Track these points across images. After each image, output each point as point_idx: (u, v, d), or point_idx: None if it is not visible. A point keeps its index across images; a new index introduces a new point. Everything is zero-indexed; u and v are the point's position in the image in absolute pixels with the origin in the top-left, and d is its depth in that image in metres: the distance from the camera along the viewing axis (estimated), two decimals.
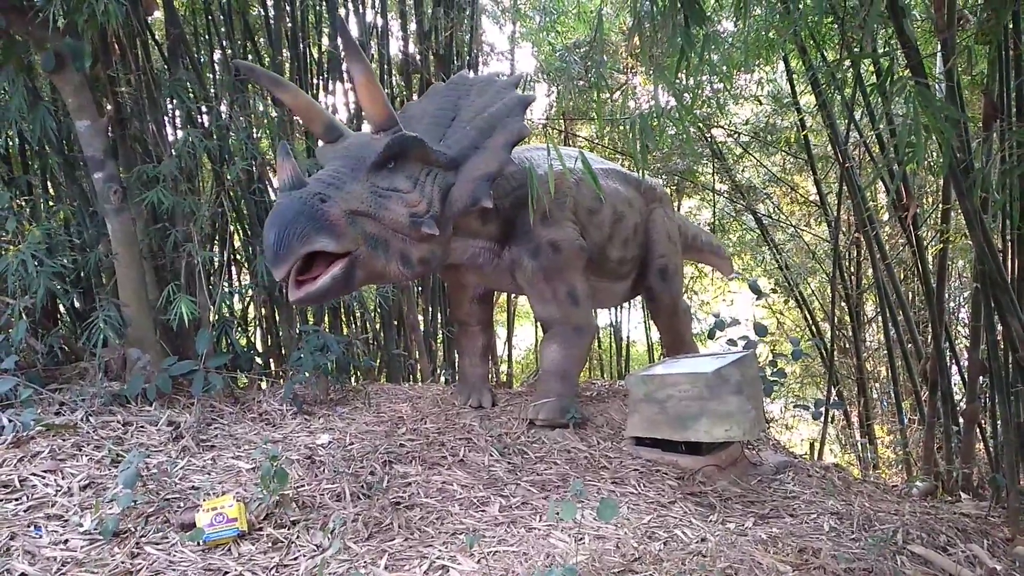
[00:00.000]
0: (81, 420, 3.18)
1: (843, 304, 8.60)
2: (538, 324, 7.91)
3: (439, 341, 5.70)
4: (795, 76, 6.78)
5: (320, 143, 3.17)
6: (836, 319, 7.07)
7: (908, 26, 3.56)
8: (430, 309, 5.89)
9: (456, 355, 4.23)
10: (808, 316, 8.13)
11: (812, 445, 6.20)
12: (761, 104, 7.72)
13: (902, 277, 7.58)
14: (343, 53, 2.98)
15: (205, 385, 3.54)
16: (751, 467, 3.30)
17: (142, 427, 3.23)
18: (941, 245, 4.58)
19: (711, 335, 4.65)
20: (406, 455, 3.06)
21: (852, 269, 8.14)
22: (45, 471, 2.69)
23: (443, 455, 3.10)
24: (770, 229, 8.61)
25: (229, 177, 3.91)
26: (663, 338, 4.63)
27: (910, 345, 6.02)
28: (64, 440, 2.95)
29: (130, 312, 3.64)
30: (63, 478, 2.67)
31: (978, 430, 5.06)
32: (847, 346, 8.49)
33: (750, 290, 4.58)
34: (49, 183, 4.19)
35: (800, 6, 4.53)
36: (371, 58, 5.41)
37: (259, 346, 4.93)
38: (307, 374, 3.91)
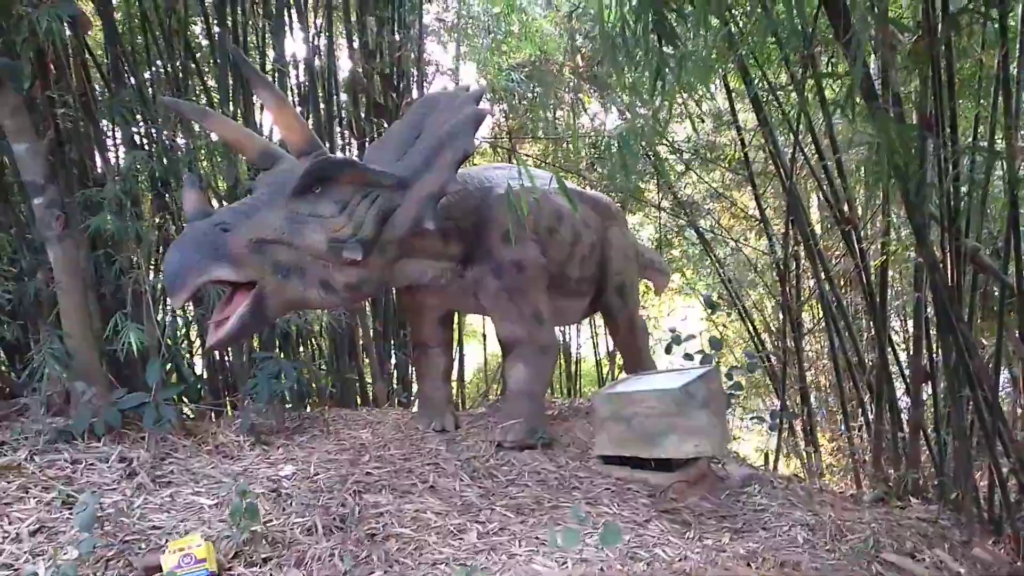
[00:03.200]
0: (25, 460, 3.00)
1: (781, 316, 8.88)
2: (486, 343, 7.91)
3: (393, 363, 5.60)
4: (733, 95, 6.99)
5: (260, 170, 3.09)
6: (783, 330, 7.24)
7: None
8: (382, 330, 5.80)
9: (415, 377, 4.16)
10: (751, 328, 8.33)
11: (766, 455, 6.32)
12: (703, 122, 7.90)
13: (841, 288, 7.81)
14: (250, 82, 2.94)
15: (157, 418, 3.39)
16: (718, 481, 3.33)
17: (92, 465, 3.06)
18: (883, 257, 4.76)
19: (668, 350, 4.70)
20: (375, 484, 2.98)
21: (792, 281, 8.39)
22: None
23: (412, 482, 3.04)
24: (712, 244, 8.82)
25: (175, 201, 3.76)
26: (622, 355, 4.67)
27: (853, 356, 6.23)
28: (8, 482, 2.77)
29: (74, 343, 3.46)
30: (10, 523, 2.51)
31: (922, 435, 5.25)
32: (787, 356, 8.74)
33: (704, 304, 4.66)
34: None
35: (741, 28, 4.67)
36: (317, 77, 5.32)
37: (204, 374, 4.76)
38: (262, 404, 3.78)
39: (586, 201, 4.28)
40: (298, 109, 5.04)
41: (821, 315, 7.88)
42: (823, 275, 5.59)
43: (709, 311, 4.88)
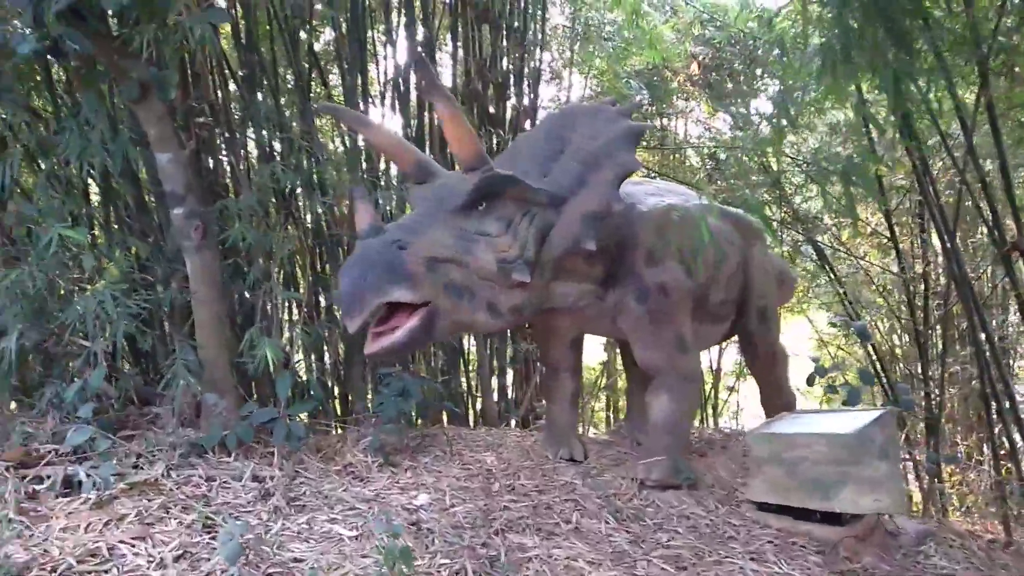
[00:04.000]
0: (162, 475, 2.95)
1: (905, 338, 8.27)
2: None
3: (509, 380, 5.44)
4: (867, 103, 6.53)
5: (411, 184, 2.96)
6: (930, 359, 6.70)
7: None
8: (493, 343, 5.65)
9: (544, 400, 3.98)
10: (873, 352, 7.78)
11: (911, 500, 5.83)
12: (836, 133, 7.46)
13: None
14: (425, 91, 2.80)
15: (287, 434, 3.31)
16: (890, 538, 2.99)
17: (226, 483, 2.99)
18: None
19: (810, 381, 4.35)
20: (517, 521, 2.79)
21: (920, 303, 7.79)
22: (134, 538, 2.45)
23: (555, 521, 2.83)
24: (832, 260, 8.32)
25: (314, 212, 3.69)
26: (759, 384, 4.34)
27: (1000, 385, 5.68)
28: (149, 500, 2.71)
29: (207, 355, 3.43)
30: (154, 546, 2.43)
31: None
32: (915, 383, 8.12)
33: (858, 335, 4.28)
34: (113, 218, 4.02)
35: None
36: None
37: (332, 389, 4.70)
38: (388, 422, 3.66)
39: (729, 218, 3.99)
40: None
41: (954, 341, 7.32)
42: (970, 300, 5.10)
43: (862, 341, 4.47)
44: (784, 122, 3.26)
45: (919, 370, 7.51)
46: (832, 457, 2.81)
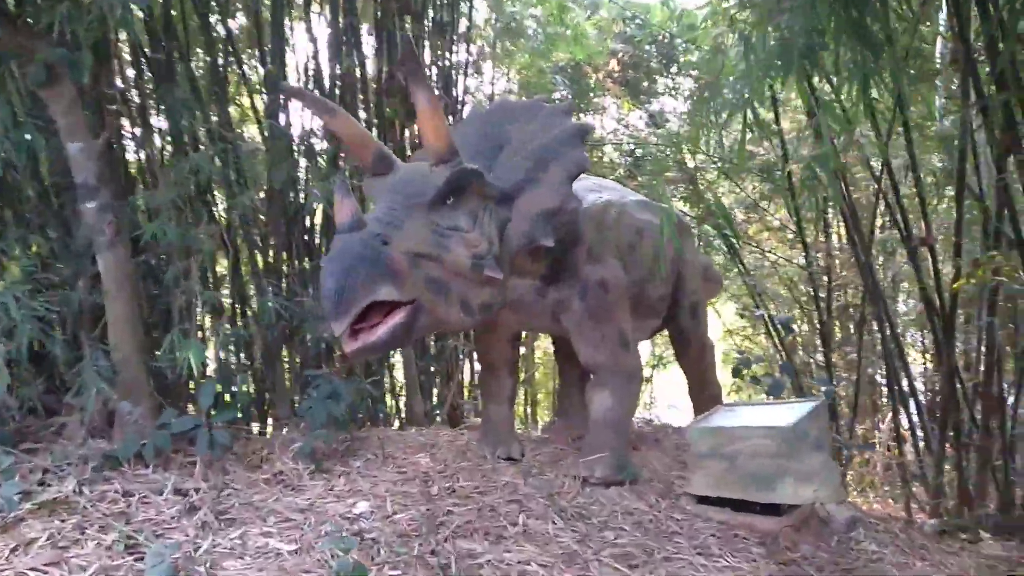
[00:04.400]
0: (74, 491, 2.72)
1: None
2: None
3: (437, 379, 5.33)
4: (779, 103, 6.75)
5: (369, 176, 2.84)
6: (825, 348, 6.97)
7: None
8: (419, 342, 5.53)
9: (481, 399, 3.91)
10: (778, 343, 8.08)
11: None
12: (752, 132, 7.66)
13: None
14: (407, 76, 2.69)
15: (211, 443, 3.11)
16: (823, 525, 3.07)
17: (146, 498, 2.78)
18: (964, 280, 4.52)
19: (736, 373, 4.45)
20: (463, 526, 2.71)
21: (823, 295, 8.13)
22: (46, 564, 2.23)
23: (502, 524, 2.77)
24: (742, 254, 8.58)
25: (238, 206, 3.48)
26: (688, 377, 4.40)
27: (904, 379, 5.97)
28: (62, 521, 2.49)
29: (121, 358, 3.20)
30: (70, 572, 2.22)
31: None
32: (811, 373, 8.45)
33: (783, 327, 4.40)
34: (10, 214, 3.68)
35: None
36: (350, 71, 4.98)
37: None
38: (318, 427, 3.51)
39: (659, 214, 4.02)
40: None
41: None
42: (871, 289, 5.32)
43: (787, 335, 4.61)
44: (719, 117, 3.28)
45: (821, 359, 7.86)
46: (771, 450, 2.86)
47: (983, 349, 4.77)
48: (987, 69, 4.14)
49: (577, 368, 4.20)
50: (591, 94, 8.01)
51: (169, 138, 3.58)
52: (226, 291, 3.80)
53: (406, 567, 2.33)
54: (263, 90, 4.39)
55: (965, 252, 4.75)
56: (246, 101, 4.74)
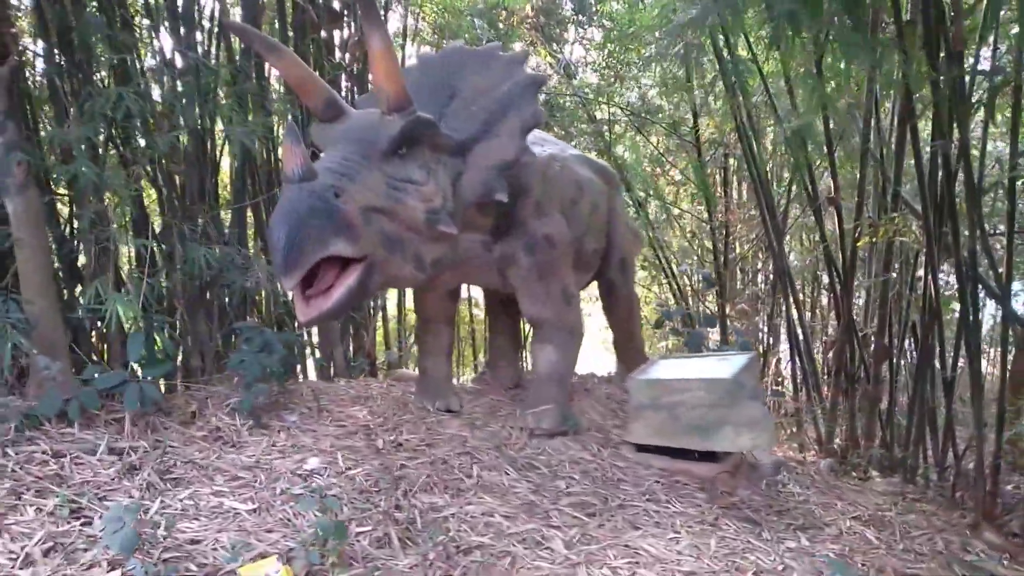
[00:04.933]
0: None
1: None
2: None
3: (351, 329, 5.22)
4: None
5: (316, 121, 2.69)
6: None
7: None
8: None
9: (418, 354, 3.87)
10: (678, 291, 8.41)
11: None
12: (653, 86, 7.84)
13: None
14: (363, 19, 2.54)
15: (141, 399, 2.95)
16: (753, 470, 3.28)
17: (79, 459, 2.61)
18: (867, 237, 4.84)
19: (658, 325, 4.62)
20: (422, 481, 2.71)
21: (721, 247, 8.50)
22: None
23: (457, 476, 2.79)
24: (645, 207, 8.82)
25: (159, 145, 3.21)
26: (615, 332, 4.53)
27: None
28: None
29: (35, 311, 2.94)
30: (13, 540, 2.07)
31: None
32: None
33: (704, 281, 4.58)
34: None
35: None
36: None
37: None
38: (251, 381, 3.38)
39: (595, 168, 4.06)
40: None
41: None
42: (775, 246, 5.61)
43: (707, 287, 4.80)
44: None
45: (716, 308, 8.28)
46: (710, 401, 3.01)
47: (877, 302, 5.17)
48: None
49: (506, 320, 4.24)
50: (506, 39, 7.89)
51: (73, 67, 3.24)
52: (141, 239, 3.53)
53: (375, 523, 2.31)
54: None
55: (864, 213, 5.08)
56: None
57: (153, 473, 2.56)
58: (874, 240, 4.87)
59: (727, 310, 7.75)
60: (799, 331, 5.70)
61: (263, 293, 4.29)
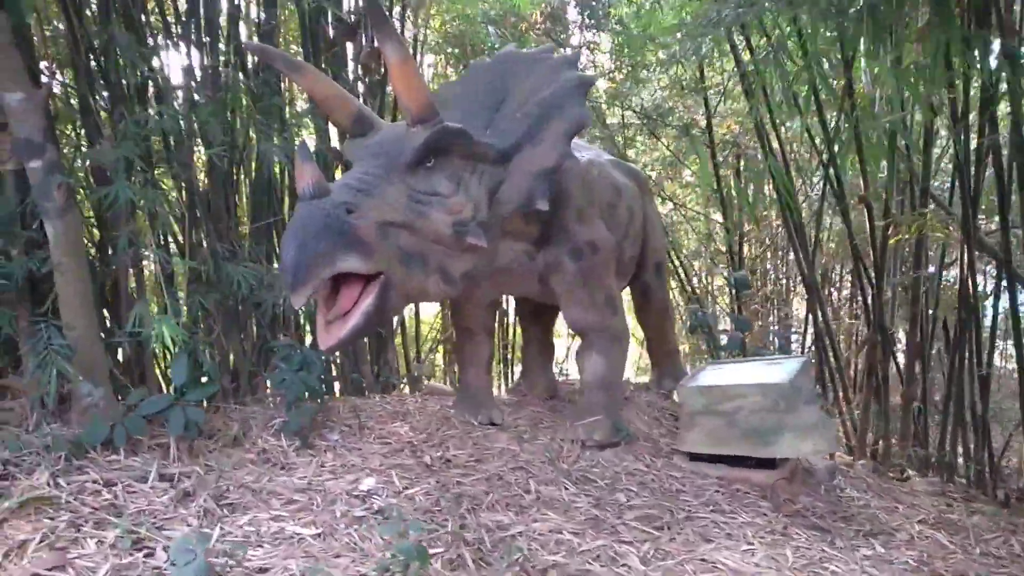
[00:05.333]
0: (48, 484, 2.44)
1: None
2: None
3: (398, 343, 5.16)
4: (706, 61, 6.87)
5: (348, 137, 2.66)
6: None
7: None
8: None
9: (457, 366, 3.81)
10: (692, 293, 8.35)
11: None
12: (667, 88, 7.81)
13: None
14: (376, 33, 2.50)
15: (186, 424, 2.89)
16: (809, 475, 3.22)
17: (131, 487, 2.55)
18: (901, 235, 4.80)
19: (693, 330, 4.57)
20: (481, 497, 2.65)
21: (736, 249, 8.46)
22: (51, 569, 2.00)
23: (516, 493, 2.73)
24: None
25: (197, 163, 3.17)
26: (648, 337, 4.47)
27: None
28: (50, 519, 2.24)
29: (77, 336, 2.88)
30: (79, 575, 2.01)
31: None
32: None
33: (737, 286, 4.53)
34: None
35: None
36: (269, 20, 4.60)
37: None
38: (293, 401, 3.32)
39: (629, 173, 4.02)
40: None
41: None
42: (800, 250, 5.56)
43: (738, 292, 4.75)
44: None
45: (736, 308, 8.24)
46: (768, 406, 2.95)
47: (908, 300, 5.11)
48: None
49: (539, 328, 4.18)
50: (518, 45, 7.87)
51: (108, 88, 3.19)
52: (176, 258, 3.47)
53: (447, 546, 2.25)
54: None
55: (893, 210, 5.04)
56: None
57: (209, 499, 2.50)
58: (906, 236, 4.83)
59: (741, 312, 7.71)
60: (825, 332, 5.65)
61: (296, 312, 4.23)
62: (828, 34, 4.32)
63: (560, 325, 4.57)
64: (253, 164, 3.93)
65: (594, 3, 7.78)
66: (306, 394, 3.29)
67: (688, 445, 3.16)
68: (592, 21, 8.26)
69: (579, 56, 3.29)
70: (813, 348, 5.68)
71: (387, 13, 2.50)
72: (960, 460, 4.79)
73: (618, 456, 3.14)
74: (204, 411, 3.01)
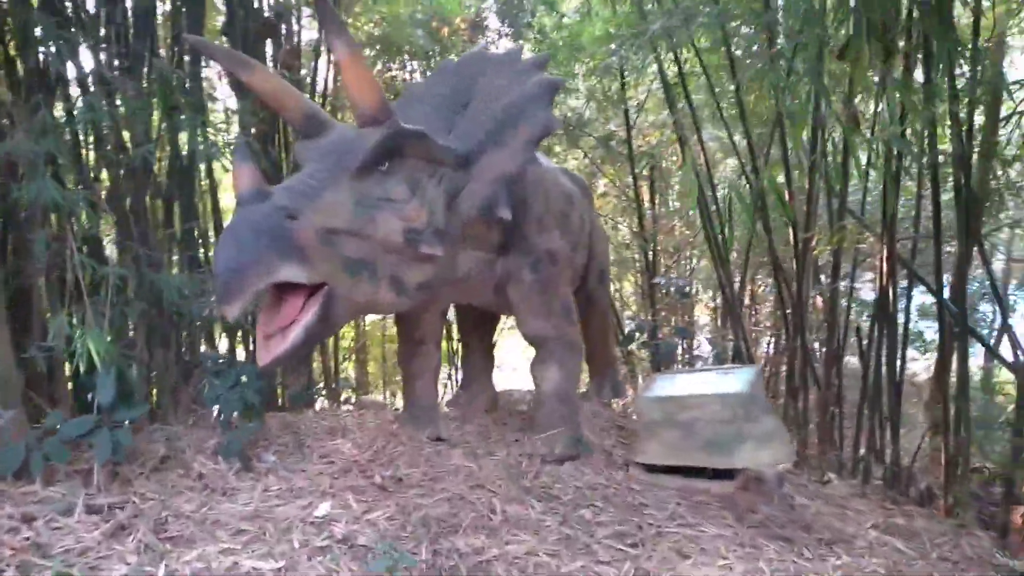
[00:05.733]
0: None
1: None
2: None
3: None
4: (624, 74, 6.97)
5: (298, 138, 2.49)
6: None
7: None
8: None
9: (403, 378, 3.64)
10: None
11: None
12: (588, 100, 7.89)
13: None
14: (325, 29, 2.36)
15: (115, 447, 2.61)
16: (759, 484, 3.25)
17: (54, 521, 2.27)
18: (822, 247, 4.97)
19: (628, 340, 4.57)
20: (449, 519, 2.51)
21: (648, 260, 8.61)
22: None
23: (482, 513, 2.60)
24: None
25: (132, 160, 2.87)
26: (591, 347, 4.43)
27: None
28: None
29: None
30: None
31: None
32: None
33: (679, 295, 4.57)
34: None
35: None
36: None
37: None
38: (228, 418, 3.08)
39: (573, 180, 3.98)
40: None
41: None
42: (718, 260, 5.68)
43: (681, 297, 4.79)
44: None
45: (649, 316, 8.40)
46: (727, 415, 2.96)
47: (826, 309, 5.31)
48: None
49: (481, 338, 4.08)
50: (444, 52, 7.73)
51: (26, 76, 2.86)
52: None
53: (423, 574, 2.10)
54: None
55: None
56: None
57: (147, 532, 2.25)
58: (828, 248, 5.02)
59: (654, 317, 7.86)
60: (743, 342, 5.80)
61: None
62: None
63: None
64: (176, 163, 3.65)
65: (515, 13, 7.76)
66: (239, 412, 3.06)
67: (647, 457, 3.13)
68: (512, 30, 8.23)
69: (548, 58, 3.20)
70: (732, 357, 5.84)
71: (334, 8, 2.34)
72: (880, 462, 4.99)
73: (578, 470, 3.07)
74: (131, 434, 2.74)
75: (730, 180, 6.58)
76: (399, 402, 6.54)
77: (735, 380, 3.11)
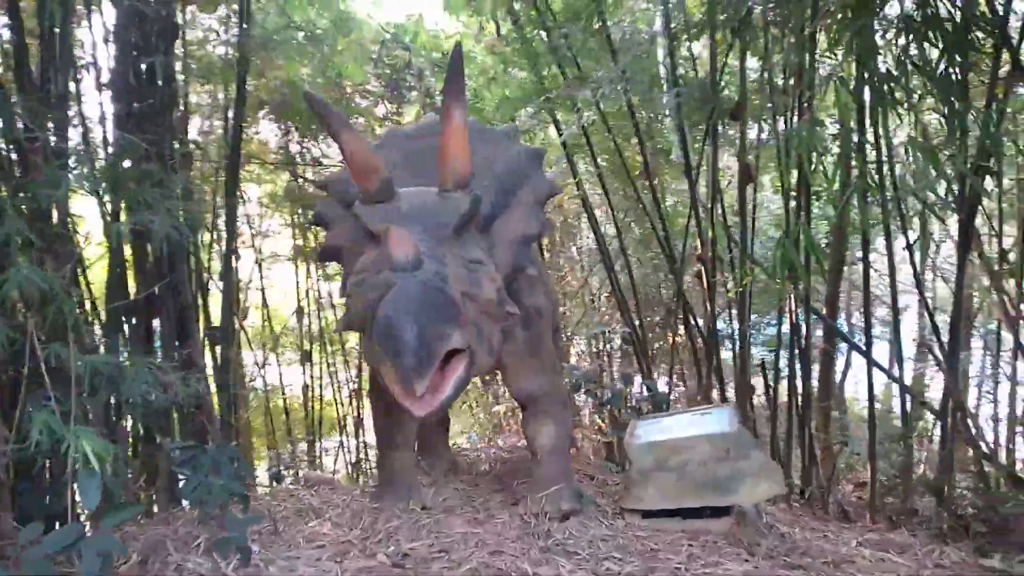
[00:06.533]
0: None
1: None
2: None
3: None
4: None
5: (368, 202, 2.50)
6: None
7: None
8: None
9: (378, 448, 3.51)
10: None
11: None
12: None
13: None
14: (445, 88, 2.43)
15: (105, 560, 2.34)
16: (743, 516, 3.39)
17: None
18: (735, 288, 5.30)
19: (576, 388, 4.65)
20: None
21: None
22: None
23: None
24: None
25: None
26: None
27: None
28: None
29: None
30: None
31: None
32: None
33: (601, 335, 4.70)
34: None
35: None
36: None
37: None
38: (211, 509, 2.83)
39: None
40: None
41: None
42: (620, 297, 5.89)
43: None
44: None
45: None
46: (718, 455, 3.08)
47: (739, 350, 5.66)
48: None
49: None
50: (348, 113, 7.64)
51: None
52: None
53: None
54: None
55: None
56: None
57: None
58: (737, 290, 5.38)
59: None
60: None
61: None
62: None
63: None
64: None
65: (400, 80, 7.81)
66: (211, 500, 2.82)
67: (647, 503, 3.17)
68: (395, 94, 8.28)
69: (518, 130, 3.35)
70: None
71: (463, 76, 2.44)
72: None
73: (581, 524, 3.08)
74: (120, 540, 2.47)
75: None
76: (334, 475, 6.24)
77: (717, 420, 3.26)
